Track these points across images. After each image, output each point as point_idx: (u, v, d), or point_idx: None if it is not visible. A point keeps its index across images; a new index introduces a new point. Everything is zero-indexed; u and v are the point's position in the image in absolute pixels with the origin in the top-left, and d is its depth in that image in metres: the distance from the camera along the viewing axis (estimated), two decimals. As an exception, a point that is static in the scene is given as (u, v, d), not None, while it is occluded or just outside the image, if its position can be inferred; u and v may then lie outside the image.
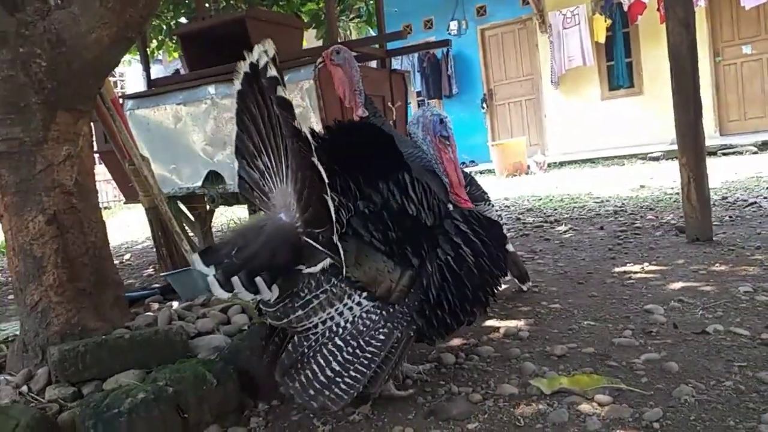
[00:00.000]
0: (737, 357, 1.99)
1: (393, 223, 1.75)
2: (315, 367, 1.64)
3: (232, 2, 6.50)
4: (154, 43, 6.98)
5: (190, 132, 4.09)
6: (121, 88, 15.17)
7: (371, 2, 7.10)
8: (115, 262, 5.39)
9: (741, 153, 9.09)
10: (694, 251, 3.44)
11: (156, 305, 2.75)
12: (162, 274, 3.13)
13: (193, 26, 5.06)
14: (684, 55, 3.52)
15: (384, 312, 1.72)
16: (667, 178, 6.95)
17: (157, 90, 4.35)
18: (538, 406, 1.80)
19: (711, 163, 8.33)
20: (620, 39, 11.31)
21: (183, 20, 6.93)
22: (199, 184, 4.09)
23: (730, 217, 4.40)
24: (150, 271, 4.71)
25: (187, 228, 4.56)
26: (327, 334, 1.67)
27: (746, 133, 10.23)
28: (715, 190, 5.76)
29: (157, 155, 4.27)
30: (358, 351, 1.65)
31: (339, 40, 6.11)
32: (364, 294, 1.69)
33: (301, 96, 3.66)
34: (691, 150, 3.58)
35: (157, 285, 3.44)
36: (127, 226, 8.94)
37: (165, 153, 4.24)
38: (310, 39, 7.41)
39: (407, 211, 1.77)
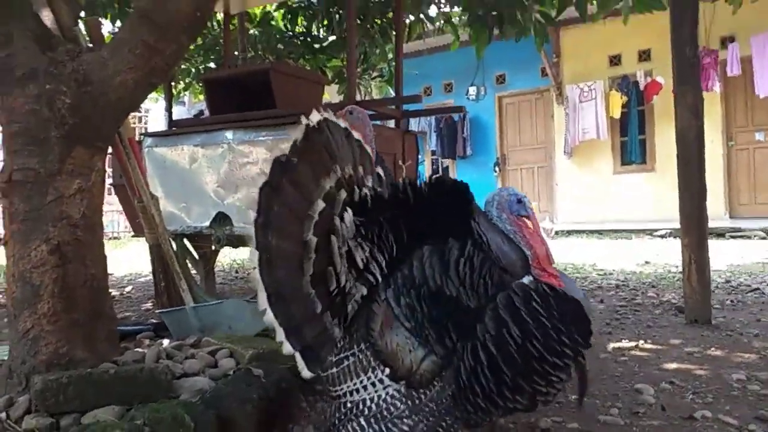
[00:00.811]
0: (721, 446, 1.97)
1: (424, 301, 1.64)
2: None
3: (260, 53, 6.76)
4: (182, 85, 7.22)
5: (204, 173, 4.19)
6: (145, 124, 15.54)
7: (393, 63, 7.34)
8: (116, 293, 5.46)
9: (749, 237, 9.08)
10: (692, 333, 3.42)
11: (147, 341, 2.77)
12: (157, 311, 3.16)
13: (220, 73, 5.26)
14: (691, 140, 3.60)
15: (410, 402, 1.62)
16: (672, 256, 6.92)
17: (177, 130, 4.49)
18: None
19: (719, 244, 8.41)
20: (635, 116, 11.48)
21: (212, 65, 7.20)
22: (207, 224, 4.16)
23: (732, 301, 4.38)
24: (149, 305, 4.73)
25: (190, 265, 4.61)
26: (354, 410, 1.66)
27: (756, 218, 10.22)
28: (719, 273, 5.75)
29: (169, 192, 4.37)
30: None
31: (358, 98, 6.31)
32: (387, 371, 1.64)
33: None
34: (694, 232, 3.61)
35: (153, 321, 3.46)
36: (133, 258, 9.01)
37: (177, 191, 4.33)
38: (333, 94, 7.64)
39: (444, 291, 1.62)
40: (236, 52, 5.66)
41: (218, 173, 4.11)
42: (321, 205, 1.81)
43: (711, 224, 10.00)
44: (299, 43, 6.68)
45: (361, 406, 1.64)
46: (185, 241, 4.51)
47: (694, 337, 3.33)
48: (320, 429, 2.12)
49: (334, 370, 1.68)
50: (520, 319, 1.54)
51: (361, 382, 1.64)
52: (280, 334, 1.70)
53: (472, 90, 12.64)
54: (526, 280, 1.64)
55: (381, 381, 1.63)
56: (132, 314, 4.29)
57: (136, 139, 3.83)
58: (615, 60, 11.63)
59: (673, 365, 2.83)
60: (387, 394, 1.63)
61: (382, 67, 7.35)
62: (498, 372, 1.54)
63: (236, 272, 6.72)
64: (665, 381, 2.59)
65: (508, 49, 11.67)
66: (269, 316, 1.68)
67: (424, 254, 1.70)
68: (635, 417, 2.22)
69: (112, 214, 13.05)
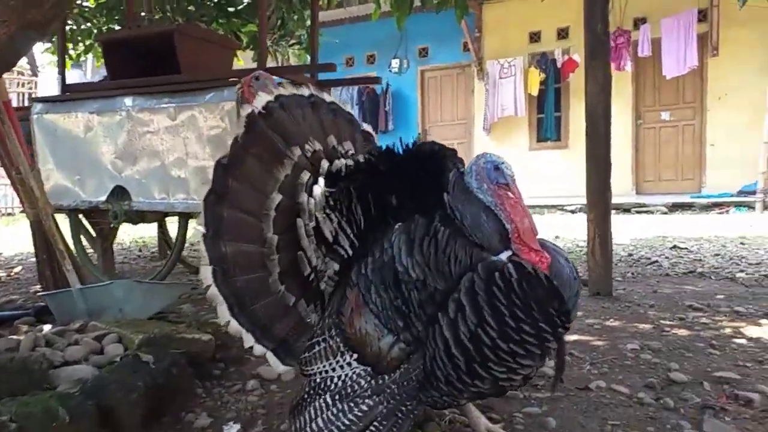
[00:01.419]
0: (612, 415, 2.02)
1: (391, 287, 1.59)
2: (307, 416, 1.66)
3: (168, 14, 6.36)
4: (81, 47, 6.70)
5: (100, 143, 3.90)
6: (33, 88, 14.45)
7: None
8: (2, 274, 5.05)
9: (652, 212, 9.59)
10: (593, 305, 3.54)
11: (25, 328, 2.55)
12: (38, 293, 2.92)
13: (120, 34, 4.90)
14: (599, 116, 3.67)
15: (373, 382, 1.62)
16: (580, 231, 7.18)
17: (71, 96, 4.15)
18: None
19: (625, 219, 8.82)
20: (552, 93, 11.80)
21: (116, 27, 6.71)
22: (104, 198, 3.90)
23: (632, 274, 4.57)
24: (39, 287, 4.41)
25: (86, 243, 4.32)
26: (322, 386, 1.68)
27: (659, 194, 10.82)
28: (623, 246, 6.01)
29: (61, 164, 4.06)
30: (340, 414, 1.61)
31: (275, 65, 6.07)
32: (355, 355, 1.65)
33: (221, 117, 3.57)
34: (599, 208, 3.71)
35: (41, 304, 3.20)
36: (27, 236, 8.42)
37: (70, 162, 4.02)
38: (249, 61, 7.33)
39: (411, 275, 1.56)
40: (142, 13, 5.28)
41: (116, 143, 3.84)
42: (277, 198, 1.78)
43: (618, 200, 10.48)
44: (212, 5, 6.33)
45: (328, 382, 1.67)
46: (80, 217, 4.22)
47: (595, 309, 3.44)
48: (215, 415, 2.03)
49: (307, 354, 1.73)
50: (476, 306, 1.48)
51: (330, 364, 1.68)
52: (249, 339, 1.72)
53: (395, 62, 12.56)
54: (504, 255, 1.56)
55: (349, 364, 1.66)
56: (19, 297, 3.97)
57: (19, 105, 3.50)
58: (535, 37, 11.86)
59: (574, 337, 2.90)
60: (354, 373, 1.64)
61: (300, 34, 7.10)
62: (452, 358, 1.49)
63: (139, 251, 6.40)
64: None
65: (431, 21, 11.69)
66: (234, 327, 1.71)
67: (393, 234, 1.64)
68: (534, 389, 2.25)
69: (5, 188, 12.11)
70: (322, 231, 1.80)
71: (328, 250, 1.81)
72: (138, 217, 4.07)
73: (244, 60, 6.93)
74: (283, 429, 2.01)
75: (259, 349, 1.74)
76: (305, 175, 1.83)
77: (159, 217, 4.30)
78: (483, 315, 1.46)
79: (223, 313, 1.70)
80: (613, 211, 10.03)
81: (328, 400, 1.65)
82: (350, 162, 1.86)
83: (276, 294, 1.78)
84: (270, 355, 1.76)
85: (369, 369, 1.63)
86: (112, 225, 3.96)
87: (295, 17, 6.21)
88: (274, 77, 3.06)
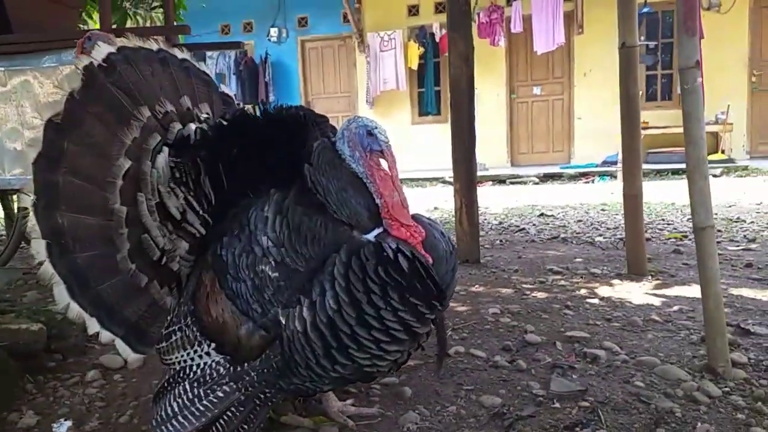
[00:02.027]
0: (467, 380, 2.04)
1: (247, 270, 1.46)
2: (165, 401, 1.57)
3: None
4: None
5: None
6: None
7: (176, -6, 6.64)
8: None
9: (525, 183, 10.05)
10: (461, 272, 3.59)
11: None
12: None
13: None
14: (463, 88, 3.70)
15: (231, 368, 1.53)
16: (459, 201, 7.40)
17: None
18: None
19: (500, 190, 9.17)
20: (431, 68, 11.96)
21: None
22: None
23: (501, 241, 4.73)
24: None
25: None
26: (181, 374, 1.59)
27: (532, 165, 11.37)
28: (495, 215, 6.23)
29: None
30: (195, 400, 1.53)
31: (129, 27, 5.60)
32: (213, 344, 1.55)
33: (60, 82, 3.20)
34: (464, 178, 3.76)
35: None
36: None
37: None
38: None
39: (267, 256, 1.45)
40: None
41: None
42: (125, 164, 1.58)
43: (494, 172, 10.83)
44: (58, -38, 5.71)
45: (187, 371, 1.59)
46: None
47: (462, 276, 3.49)
48: (45, 412, 1.84)
49: (164, 344, 1.63)
50: (334, 290, 1.38)
51: (188, 354, 1.59)
52: (93, 325, 1.53)
53: (274, 31, 12.16)
54: (373, 234, 1.47)
55: (208, 354, 1.57)
56: None
57: None
58: (413, 10, 11.91)
59: (440, 305, 2.92)
60: (212, 360, 1.56)
61: (164, -3, 6.61)
62: (310, 342, 1.40)
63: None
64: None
65: (309, -9, 11.51)
66: (74, 310, 1.51)
67: (250, 211, 1.51)
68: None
69: None
70: (167, 207, 1.64)
71: (175, 228, 1.65)
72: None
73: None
74: (122, 422, 1.84)
75: (106, 335, 1.56)
76: (154, 139, 1.65)
77: (-4, 195, 3.85)
78: (340, 300, 1.38)
79: (61, 295, 1.49)
80: (489, 183, 10.39)
81: (186, 386, 1.56)
82: (203, 127, 1.69)
83: (125, 274, 1.59)
84: (119, 342, 1.59)
85: (228, 358, 1.54)
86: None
87: (156, -22, 5.76)
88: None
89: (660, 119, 10.38)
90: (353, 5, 11.81)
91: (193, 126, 1.69)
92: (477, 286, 3.29)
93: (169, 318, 1.66)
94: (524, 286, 3.27)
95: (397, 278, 1.38)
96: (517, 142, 11.77)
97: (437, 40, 11.60)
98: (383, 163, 1.55)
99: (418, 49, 11.69)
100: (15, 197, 3.74)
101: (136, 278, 1.61)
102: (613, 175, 9.88)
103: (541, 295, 3.09)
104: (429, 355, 2.24)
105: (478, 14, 10.43)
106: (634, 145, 3.30)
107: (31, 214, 1.48)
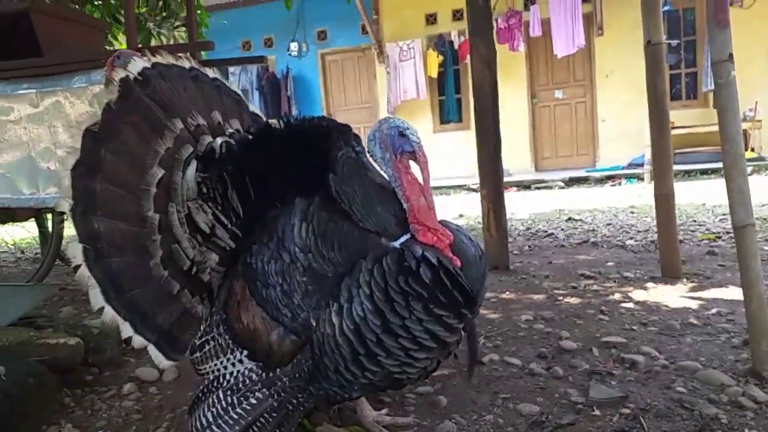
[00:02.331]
0: (503, 388, 2.01)
1: (277, 277, 1.49)
2: (199, 411, 1.59)
3: (36, -5, 5.81)
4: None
5: (-49, 133, 3.48)
6: None
7: (199, 12, 6.75)
8: None
9: (551, 188, 9.96)
10: (491, 279, 3.55)
11: None
12: None
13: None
14: (486, 92, 3.68)
15: (264, 374, 1.55)
16: (484, 208, 7.35)
17: None
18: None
19: (525, 195, 9.09)
20: (451, 75, 11.95)
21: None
22: (-42, 194, 3.49)
23: (530, 246, 4.68)
24: None
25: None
26: (215, 383, 1.61)
27: (557, 170, 11.26)
28: (522, 221, 6.17)
29: None
30: (229, 408, 1.55)
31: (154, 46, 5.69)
32: (245, 352, 1.57)
33: (90, 102, 3.27)
34: (491, 183, 3.73)
35: None
36: None
37: None
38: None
39: (295, 263, 1.47)
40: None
41: (-33, 133, 3.44)
42: (159, 173, 1.62)
43: (518, 177, 10.75)
44: (85, -15, 5.85)
45: (221, 380, 1.60)
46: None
47: (492, 283, 3.46)
48: (83, 425, 1.86)
49: (198, 354, 1.65)
50: (359, 299, 1.38)
51: (222, 362, 1.61)
52: (127, 329, 1.54)
53: (294, 46, 12.25)
54: (399, 241, 1.46)
55: (240, 361, 1.58)
56: None
57: None
58: (431, 19, 11.92)
59: (471, 312, 2.89)
60: (245, 368, 1.57)
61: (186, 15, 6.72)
62: (339, 347, 1.41)
63: (21, 252, 5.88)
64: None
65: (327, 4, 11.56)
66: (109, 314, 1.52)
67: (276, 222, 1.53)
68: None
69: None
70: (196, 222, 1.66)
71: (205, 240, 1.68)
72: (6, 215, 3.70)
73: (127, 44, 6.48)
74: (159, 434, 1.85)
75: (138, 340, 1.56)
76: (186, 150, 1.68)
77: (31, 214, 3.92)
78: (364, 308, 1.38)
79: (96, 298, 1.51)
80: (513, 189, 10.33)
81: (220, 395, 1.57)
82: (230, 141, 1.70)
83: (159, 279, 1.61)
84: (152, 348, 1.59)
85: (260, 364, 1.55)
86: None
87: (179, -2, 5.86)
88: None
89: (686, 119, 10.20)
90: (371, 17, 11.87)
91: (219, 140, 1.70)
92: (508, 292, 3.25)
93: (202, 327, 1.67)
94: (556, 291, 3.22)
95: (418, 289, 1.37)
96: (541, 147, 11.67)
97: (456, 47, 11.59)
98: (413, 166, 1.53)
99: (438, 57, 11.69)
100: (49, 216, 3.80)
101: (169, 285, 1.63)
102: (640, 177, 9.74)
103: (573, 300, 3.04)
104: (463, 364, 2.21)
105: (497, 20, 10.40)
106: (663, 143, 3.24)
107: (69, 218, 1.51)
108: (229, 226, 1.67)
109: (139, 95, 1.61)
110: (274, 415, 1.53)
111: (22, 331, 2.21)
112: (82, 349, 2.22)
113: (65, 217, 3.52)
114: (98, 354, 2.32)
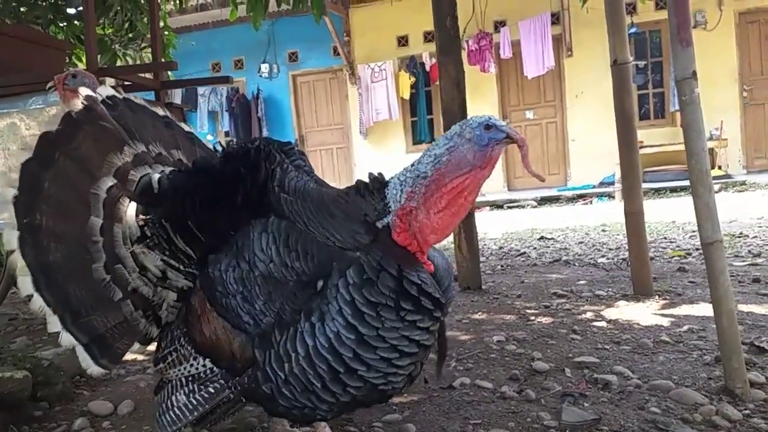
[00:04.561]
0: (474, 413, 1.93)
1: (240, 284, 1.45)
2: (164, 392, 1.62)
3: (-2, 16, 5.68)
4: None
5: None
6: None
7: (166, 33, 6.68)
8: None
9: (523, 207, 10.00)
10: (463, 300, 3.51)
11: None
12: None
13: None
14: (455, 112, 3.65)
15: (225, 377, 1.54)
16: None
17: None
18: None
19: (498, 215, 9.12)
20: (423, 96, 12.02)
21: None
22: None
23: (502, 266, 4.64)
24: None
25: None
26: (179, 378, 1.61)
27: (529, 189, 11.33)
28: (494, 240, 6.15)
29: None
30: (191, 394, 1.56)
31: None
32: (208, 360, 1.56)
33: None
34: (462, 201, 3.68)
35: None
36: None
37: None
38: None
39: (255, 271, 1.44)
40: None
41: None
42: (109, 182, 1.61)
43: (491, 197, 10.77)
44: (47, 5, 5.73)
45: (186, 374, 1.60)
46: None
47: (464, 304, 3.40)
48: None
49: (161, 365, 1.64)
50: (330, 317, 1.33)
51: (185, 367, 1.60)
52: (55, 323, 1.48)
53: (264, 67, 12.23)
54: (363, 252, 1.37)
55: (204, 366, 1.57)
56: None
57: None
58: (402, 41, 12.01)
59: (442, 334, 2.83)
60: (208, 368, 1.56)
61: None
62: (314, 368, 1.35)
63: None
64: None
65: (299, 25, 11.56)
66: (37, 302, 1.48)
67: (235, 238, 1.52)
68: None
69: None
70: (145, 266, 1.63)
71: (159, 281, 1.65)
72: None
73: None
74: (110, 472, 1.73)
75: (67, 338, 1.50)
76: (141, 171, 1.66)
77: (-15, 241, 3.76)
78: (336, 324, 1.33)
79: (26, 286, 1.47)
80: (486, 208, 10.34)
81: (183, 380, 1.60)
82: (163, 177, 1.67)
83: (99, 282, 1.56)
84: (80, 350, 1.52)
85: (223, 371, 1.53)
86: None
87: (144, 18, 5.77)
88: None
89: (654, 137, 10.38)
90: (342, 38, 11.92)
91: (156, 175, 1.67)
92: (480, 313, 3.19)
93: (163, 345, 1.66)
94: (528, 311, 3.18)
95: (383, 300, 1.32)
96: (513, 167, 11.74)
97: (428, 69, 11.67)
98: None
99: (410, 78, 11.76)
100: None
101: (109, 290, 1.58)
102: (611, 196, 9.84)
103: (546, 320, 2.99)
104: (433, 388, 2.14)
105: (467, 42, 10.52)
106: (632, 161, 3.24)
107: (11, 206, 1.48)
108: (182, 268, 1.64)
109: (103, 114, 1.64)
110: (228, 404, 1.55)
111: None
112: (31, 383, 2.10)
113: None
114: (48, 387, 2.18)
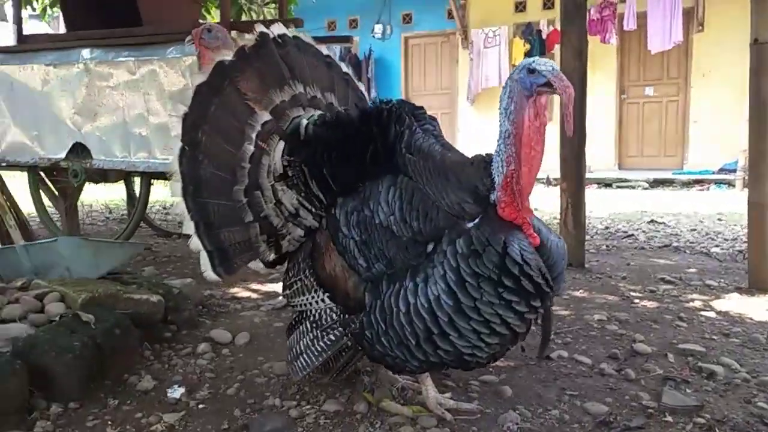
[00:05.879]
0: (571, 385, 1.96)
1: (360, 227, 1.61)
2: (295, 335, 1.84)
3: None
4: (47, 0, 6.40)
5: (58, 97, 3.73)
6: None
7: (288, -11, 6.86)
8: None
9: (634, 187, 9.57)
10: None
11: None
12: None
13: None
14: (574, 84, 3.52)
15: (342, 315, 1.70)
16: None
17: (26, 46, 3.95)
18: (359, 426, 1.69)
19: (606, 194, 8.78)
20: (536, 65, 11.61)
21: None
22: (63, 156, 3.74)
23: (607, 246, 4.52)
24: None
25: (48, 202, 4.17)
26: (304, 314, 1.82)
27: (641, 170, 10.77)
28: (600, 220, 5.97)
29: (18, 119, 3.89)
30: (315, 340, 1.75)
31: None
32: (327, 293, 1.72)
33: (182, 73, 3.41)
34: (572, 177, 3.62)
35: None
36: None
37: (28, 117, 3.85)
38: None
39: (376, 219, 1.58)
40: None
41: (74, 98, 3.67)
42: (265, 116, 1.78)
43: (601, 174, 10.36)
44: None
45: (307, 313, 1.81)
46: (42, 175, 4.05)
47: (565, 280, 3.37)
48: (161, 378, 1.96)
49: (288, 291, 1.86)
50: (434, 280, 1.45)
51: (307, 299, 1.78)
52: (189, 226, 1.70)
53: (378, 28, 12.26)
54: (474, 222, 1.47)
55: (323, 300, 1.74)
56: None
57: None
58: (520, 6, 11.61)
59: (541, 307, 2.84)
60: (326, 307, 1.73)
61: (276, -7, 6.85)
62: (411, 325, 1.48)
63: (109, 212, 6.23)
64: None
65: (414, -14, 11.50)
66: (181, 206, 1.69)
67: (364, 187, 1.65)
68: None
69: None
70: (281, 201, 1.80)
71: (290, 216, 1.82)
72: (100, 176, 3.93)
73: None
74: (229, 393, 1.93)
75: (195, 242, 1.71)
76: (295, 112, 1.81)
77: (122, 176, 4.14)
78: (438, 288, 1.44)
79: (176, 189, 1.69)
80: (594, 185, 9.96)
81: (308, 325, 1.79)
82: (314, 120, 1.79)
83: (235, 202, 1.76)
84: (203, 256, 1.73)
85: (340, 307, 1.69)
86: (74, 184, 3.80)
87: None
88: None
89: (789, 124, 9.50)
90: (458, 1, 11.70)
91: (305, 120, 1.79)
92: (581, 291, 3.16)
93: (290, 274, 1.86)
94: (632, 294, 3.11)
95: (486, 272, 1.40)
96: (626, 145, 11.18)
97: (544, 37, 11.24)
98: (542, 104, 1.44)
99: (524, 45, 11.38)
100: (137, 179, 4.00)
101: (243, 212, 1.76)
102: (731, 184, 9.19)
103: (651, 304, 2.92)
104: (530, 357, 2.18)
105: (590, 10, 10.01)
106: (763, 149, 3.04)
107: (179, 124, 1.70)
108: (313, 210, 1.80)
109: (272, 50, 1.79)
110: (345, 350, 1.71)
111: (110, 284, 2.35)
112: (163, 307, 2.34)
113: (152, 183, 3.72)
114: (177, 313, 2.43)
